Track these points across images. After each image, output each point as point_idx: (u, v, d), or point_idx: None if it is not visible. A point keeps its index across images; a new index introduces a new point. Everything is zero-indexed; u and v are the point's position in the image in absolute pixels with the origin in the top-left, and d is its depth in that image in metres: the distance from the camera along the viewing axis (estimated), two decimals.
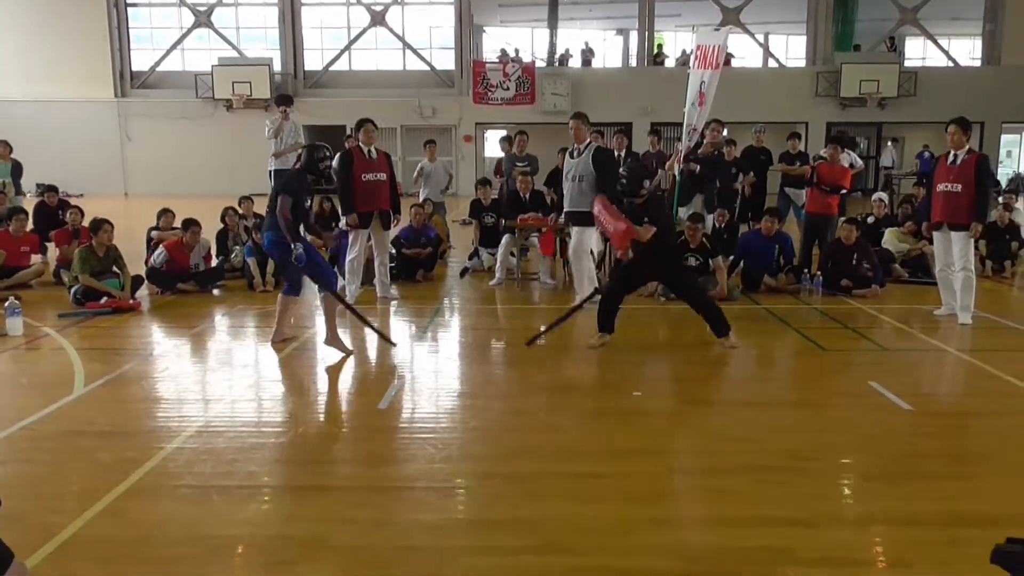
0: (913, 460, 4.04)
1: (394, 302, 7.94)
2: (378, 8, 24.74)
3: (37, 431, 4.41)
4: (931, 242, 7.54)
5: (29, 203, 10.99)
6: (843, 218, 8.73)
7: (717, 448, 4.20)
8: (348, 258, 7.76)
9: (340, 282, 7.58)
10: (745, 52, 28.58)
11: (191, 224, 8.54)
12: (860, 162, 11.80)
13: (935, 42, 25.43)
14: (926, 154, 22.55)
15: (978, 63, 25.22)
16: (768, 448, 4.20)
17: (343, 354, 5.92)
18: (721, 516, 3.44)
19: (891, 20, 24.89)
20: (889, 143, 26.06)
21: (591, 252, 7.77)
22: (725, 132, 9.66)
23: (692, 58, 8.64)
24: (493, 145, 23.36)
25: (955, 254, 6.97)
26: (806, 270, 8.55)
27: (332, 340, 5.97)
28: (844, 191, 8.94)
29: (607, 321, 6.26)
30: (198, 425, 4.49)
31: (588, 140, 7.45)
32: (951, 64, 25.39)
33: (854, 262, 8.31)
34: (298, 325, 6.81)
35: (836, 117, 24.20)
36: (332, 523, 3.38)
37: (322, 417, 4.94)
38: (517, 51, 25.48)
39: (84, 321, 7.20)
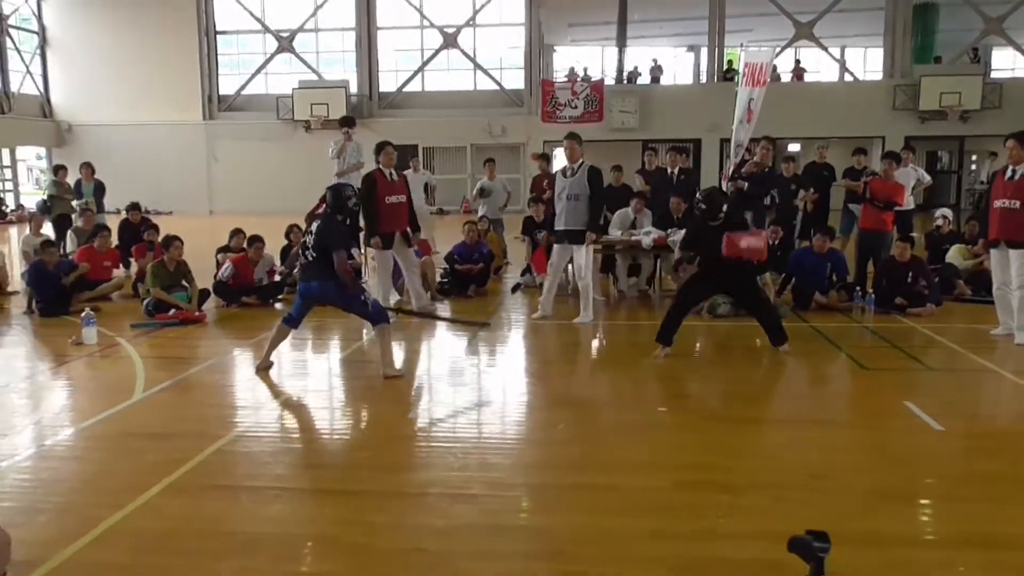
0: (933, 481, 3.98)
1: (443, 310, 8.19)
2: (450, 30, 25.37)
3: (94, 431, 4.79)
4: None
5: (114, 220, 11.75)
6: (897, 235, 8.52)
7: (735, 465, 4.23)
8: (376, 281, 8.03)
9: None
10: (820, 66, 28.03)
11: (255, 240, 9.02)
12: (928, 177, 11.42)
13: (1022, 52, 24.32)
14: None
15: None
16: (787, 466, 4.20)
17: (392, 378, 5.84)
18: (724, 530, 3.49)
19: (975, 31, 23.97)
20: (987, 157, 24.86)
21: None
22: (795, 148, 9.58)
23: (740, 76, 8.63)
24: (561, 162, 23.61)
25: (1013, 272, 6.75)
26: (858, 288, 8.36)
27: (388, 366, 5.87)
28: (898, 207, 8.71)
29: (669, 334, 6.39)
30: (240, 430, 4.79)
31: (581, 160, 7.60)
32: None
33: (909, 280, 8.10)
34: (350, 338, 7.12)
35: (915, 131, 23.36)
36: (346, 524, 3.58)
37: (352, 424, 5.18)
38: (585, 69, 25.69)
39: (153, 331, 7.71)
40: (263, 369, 6.05)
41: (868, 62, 28.96)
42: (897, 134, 22.73)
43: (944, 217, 10.21)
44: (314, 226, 5.88)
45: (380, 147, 7.93)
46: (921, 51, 24.88)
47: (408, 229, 7.99)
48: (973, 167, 25.85)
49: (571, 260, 8.05)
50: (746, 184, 8.24)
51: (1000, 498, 3.78)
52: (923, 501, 3.74)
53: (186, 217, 23.02)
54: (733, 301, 7.94)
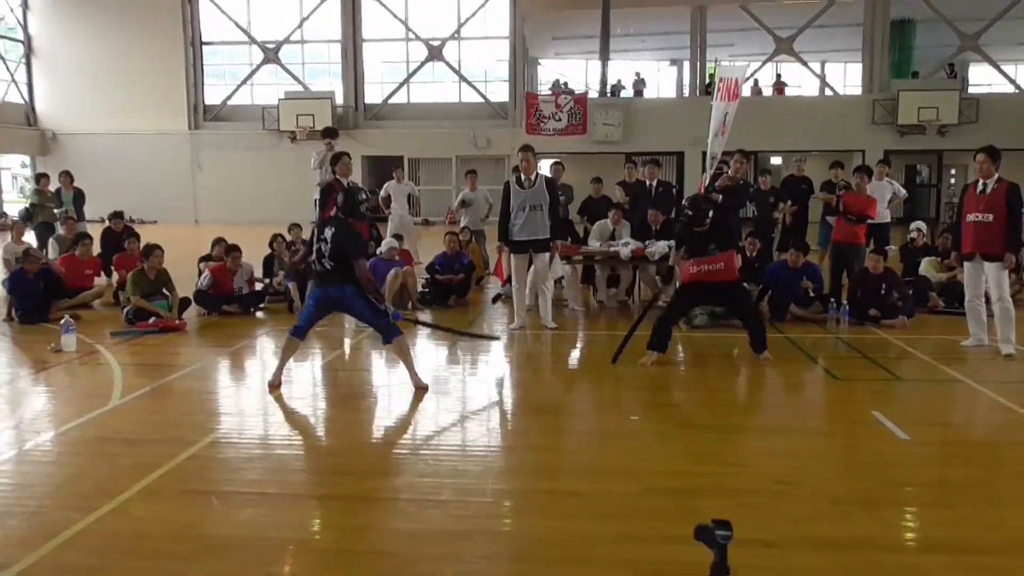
0: (894, 487, 4.06)
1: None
2: (436, 43, 25.54)
3: (70, 437, 4.82)
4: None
5: (96, 229, 11.74)
6: (870, 248, 8.67)
7: (702, 471, 4.31)
8: None
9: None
10: (802, 80, 28.41)
11: (233, 250, 9.03)
12: (903, 191, 11.63)
13: (997, 68, 24.78)
14: None
15: None
16: (753, 472, 4.29)
17: (422, 389, 5.75)
18: (686, 535, 3.54)
19: (951, 47, 24.40)
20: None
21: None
22: (776, 160, 9.76)
23: (716, 91, 8.78)
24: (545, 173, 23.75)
25: (990, 285, 6.88)
26: (832, 299, 8.49)
27: (415, 379, 5.79)
28: (871, 220, 8.87)
29: (662, 340, 6.54)
30: (215, 436, 4.82)
31: (536, 171, 7.83)
32: (1016, 90, 24.71)
33: (882, 292, 8.24)
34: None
35: (894, 145, 23.72)
36: (315, 529, 3.64)
37: (328, 431, 5.21)
38: (566, 84, 25.91)
39: (133, 339, 7.72)
40: (275, 387, 5.78)
41: (848, 76, 29.37)
42: (876, 148, 23.06)
43: (918, 230, 10.38)
44: (327, 232, 5.65)
45: (336, 158, 8.04)
46: (899, 66, 25.34)
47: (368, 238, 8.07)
48: (952, 180, 26.22)
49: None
50: (720, 197, 8.35)
51: (959, 503, 3.87)
52: (884, 507, 3.81)
53: (171, 226, 22.99)
54: (710, 312, 8.09)
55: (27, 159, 27.14)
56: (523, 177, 7.81)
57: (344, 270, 5.59)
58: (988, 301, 7.02)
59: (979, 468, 4.33)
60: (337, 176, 7.89)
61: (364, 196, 5.97)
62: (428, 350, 7.57)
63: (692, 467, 4.36)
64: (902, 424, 4.95)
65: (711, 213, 6.63)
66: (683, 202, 7.05)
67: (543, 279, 8.06)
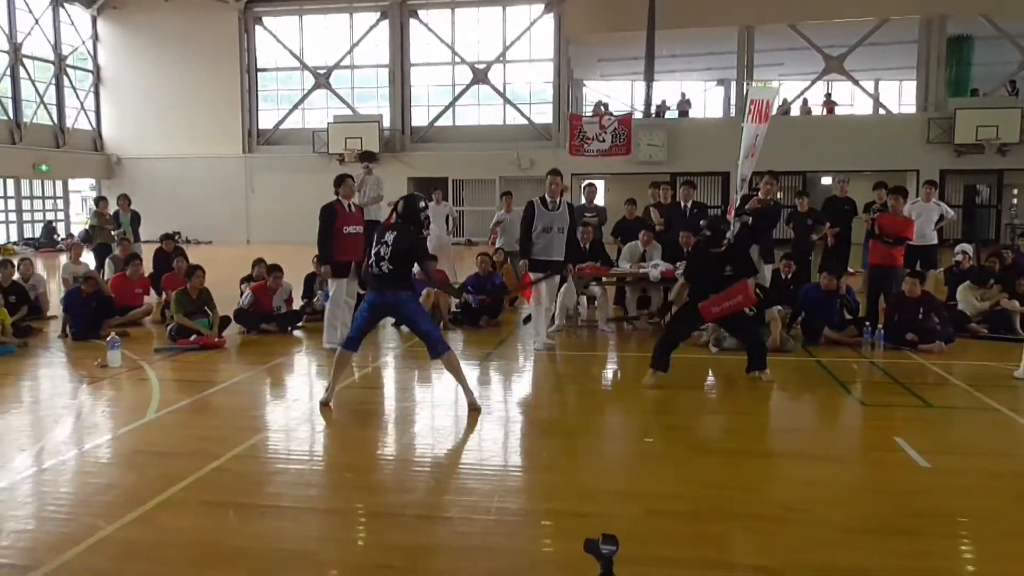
0: (908, 517, 3.99)
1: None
2: (481, 66, 25.92)
3: (105, 448, 5.08)
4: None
5: (151, 249, 12.21)
6: (907, 270, 8.49)
7: (709, 494, 4.30)
8: (329, 307, 8.17)
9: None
10: (855, 99, 27.95)
11: (274, 270, 9.31)
12: (951, 212, 11.36)
13: None
14: None
15: None
16: (762, 497, 4.27)
17: (475, 411, 5.78)
18: (684, 557, 3.58)
19: (1012, 63, 23.71)
20: None
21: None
22: (827, 181, 9.66)
23: (746, 112, 8.76)
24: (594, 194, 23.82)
25: None
26: (867, 323, 8.34)
27: (469, 397, 5.83)
28: (909, 241, 8.68)
29: (663, 360, 6.58)
30: (238, 450, 4.99)
31: (561, 195, 8.00)
32: None
33: (920, 316, 8.06)
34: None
35: (950, 164, 23.13)
36: (322, 541, 3.76)
37: (345, 447, 5.33)
38: (606, 106, 26.05)
39: (176, 356, 8.03)
40: (325, 404, 5.84)
41: (903, 95, 28.79)
42: (932, 167, 22.53)
43: (964, 252, 10.11)
44: (388, 237, 5.67)
45: (340, 179, 8.16)
46: (956, 84, 24.66)
47: (362, 260, 8.18)
48: (1014, 201, 25.39)
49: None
50: (750, 219, 8.32)
51: (971, 535, 3.79)
52: (893, 536, 3.75)
53: (224, 246, 23.77)
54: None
55: (94, 182, 28.36)
56: (549, 199, 7.93)
57: (402, 275, 5.64)
58: None
59: (998, 500, 4.22)
60: (340, 198, 8.05)
61: (423, 204, 5.94)
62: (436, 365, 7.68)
63: (700, 490, 4.35)
64: (925, 452, 4.86)
65: (729, 236, 6.75)
66: (702, 222, 7.14)
67: (549, 297, 8.28)
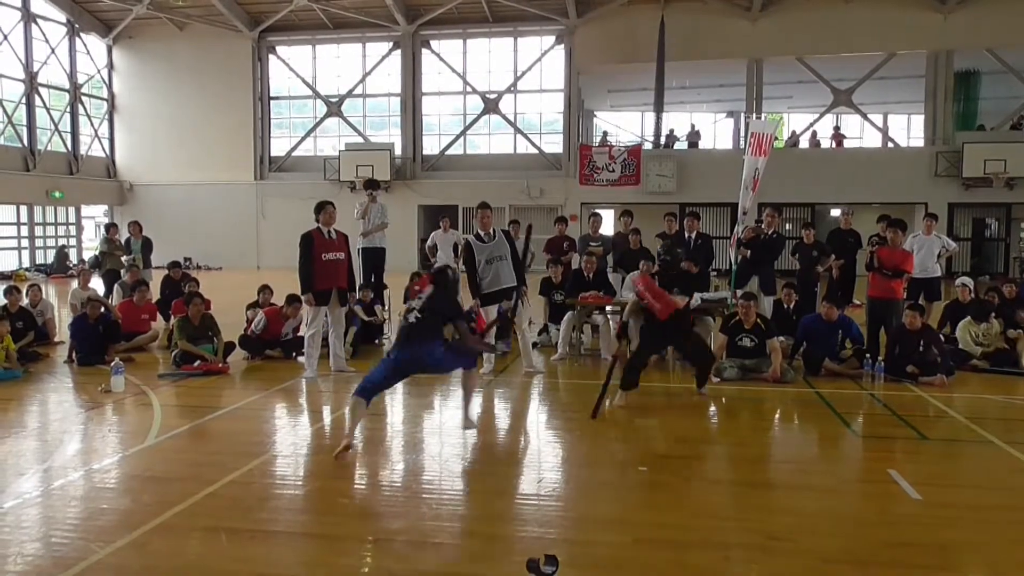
0: (893, 548, 3.99)
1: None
2: (492, 96, 26.25)
3: (102, 473, 5.14)
4: None
5: (162, 275, 12.37)
6: (907, 302, 8.50)
7: (697, 524, 4.32)
8: (307, 334, 8.24)
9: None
10: (864, 132, 28.07)
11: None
12: (953, 244, 11.35)
13: None
14: None
15: None
16: (749, 527, 4.28)
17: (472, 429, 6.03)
18: None
19: (1019, 98, 23.79)
20: None
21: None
22: (836, 212, 9.71)
23: (747, 145, 8.85)
24: (607, 224, 23.95)
25: None
26: (868, 355, 8.34)
27: (466, 417, 6.06)
28: (908, 274, 8.70)
29: (633, 380, 7.07)
30: (233, 476, 5.05)
31: (492, 226, 8.39)
32: None
33: (920, 348, 8.05)
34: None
35: (958, 198, 23.16)
36: (310, 566, 3.80)
37: (339, 473, 5.33)
38: (609, 135, 26.31)
39: (179, 381, 8.12)
40: (346, 448, 5.44)
41: (912, 128, 28.89)
42: (940, 200, 22.56)
43: (964, 286, 10.08)
44: (425, 293, 5.90)
45: (320, 206, 8.24)
46: (964, 118, 24.79)
47: (345, 287, 8.30)
48: (1022, 234, 25.31)
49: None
50: (749, 252, 8.37)
51: (954, 567, 3.81)
52: (875, 567, 3.76)
53: (234, 272, 23.99)
54: (740, 365, 8.07)
55: (107, 208, 28.76)
56: (482, 233, 8.17)
57: (433, 327, 5.66)
58: None
59: (985, 532, 4.21)
60: (320, 225, 8.14)
61: (455, 274, 6.26)
62: (447, 394, 7.73)
63: (688, 520, 4.37)
64: (917, 484, 4.86)
65: (683, 264, 7.59)
66: (659, 248, 7.93)
67: (519, 323, 8.48)
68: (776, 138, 26.46)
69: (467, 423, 6.05)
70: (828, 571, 3.74)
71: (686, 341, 7.45)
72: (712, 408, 7.18)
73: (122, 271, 12.68)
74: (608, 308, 9.66)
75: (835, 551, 3.96)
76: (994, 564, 3.80)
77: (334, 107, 27.22)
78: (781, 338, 8.66)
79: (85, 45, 27.32)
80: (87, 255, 26.85)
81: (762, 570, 3.74)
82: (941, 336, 9.18)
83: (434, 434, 6.39)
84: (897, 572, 3.72)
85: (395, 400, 7.44)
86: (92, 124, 27.76)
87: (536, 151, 26.16)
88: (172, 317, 10.77)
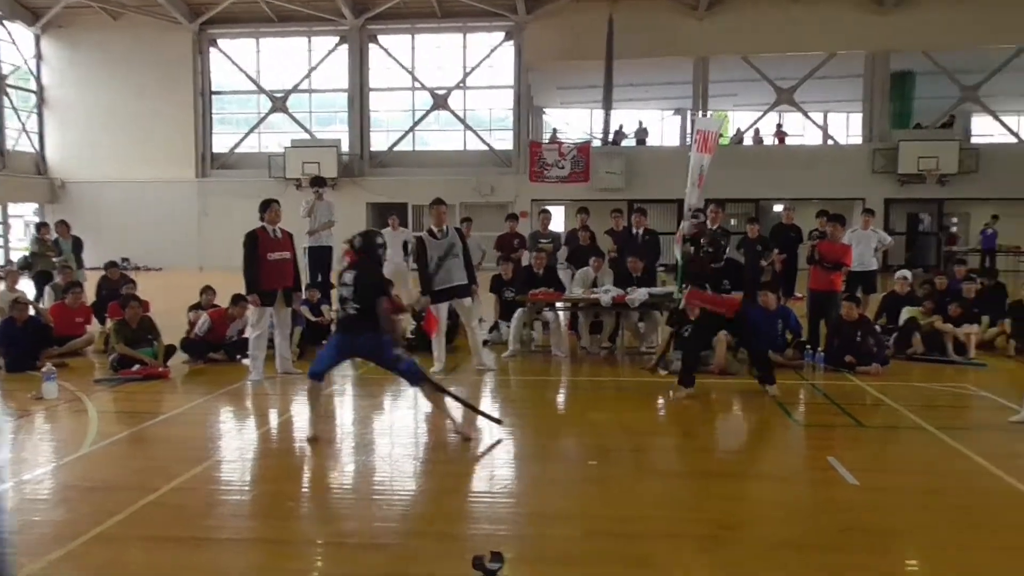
0: (833, 533, 4.11)
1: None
2: (441, 92, 26.10)
3: (35, 484, 4.94)
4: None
5: (97, 276, 11.97)
6: (845, 294, 8.76)
7: (648, 515, 4.37)
8: (252, 336, 8.10)
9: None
10: (806, 129, 28.75)
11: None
12: (888, 239, 11.72)
13: (997, 118, 25.03)
14: (988, 231, 21.96)
15: None
16: (698, 517, 4.35)
17: (467, 439, 5.81)
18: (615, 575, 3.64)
19: (952, 98, 24.67)
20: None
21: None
22: (779, 208, 9.88)
23: (693, 142, 8.98)
24: (557, 221, 24.00)
25: None
26: (808, 346, 8.56)
27: (453, 423, 5.92)
28: (846, 267, 8.97)
29: (689, 376, 7.08)
30: (177, 483, 4.91)
31: (446, 223, 8.25)
32: (1017, 140, 24.90)
33: (858, 338, 8.30)
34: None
35: (895, 194, 23.93)
36: (258, 571, 3.74)
37: (287, 477, 5.26)
38: (557, 132, 26.46)
39: (117, 386, 7.86)
40: (313, 439, 5.73)
41: (851, 127, 29.67)
42: (877, 196, 23.30)
43: (904, 278, 10.42)
44: (347, 277, 5.70)
45: (266, 204, 8.07)
46: (900, 117, 25.60)
47: (291, 286, 8.18)
48: (953, 229, 26.30)
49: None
50: (692, 248, 8.47)
51: (890, 549, 3.92)
52: (815, 552, 3.86)
53: (175, 273, 23.38)
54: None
55: (37, 207, 27.69)
56: (436, 229, 8.12)
57: (371, 314, 5.57)
58: None
59: (920, 514, 4.36)
60: (265, 224, 7.99)
61: (381, 240, 5.98)
62: (397, 395, 7.67)
63: (639, 511, 4.42)
64: (854, 470, 5.01)
65: (727, 252, 7.28)
66: (702, 240, 7.68)
67: (469, 321, 8.45)
68: (721, 135, 27.10)
69: (455, 424, 5.88)
70: (774, 557, 3.82)
71: (741, 333, 7.51)
72: (660, 400, 7.27)
73: (54, 272, 12.22)
74: (559, 304, 9.72)
75: (779, 537, 4.06)
76: (930, 545, 3.93)
77: (279, 102, 26.73)
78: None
79: (10, 34, 26.08)
80: (15, 256, 25.86)
81: (711, 559, 3.80)
82: (878, 327, 9.51)
83: (384, 435, 6.33)
84: (838, 556, 3.83)
85: (349, 402, 7.37)
86: (19, 117, 26.61)
87: (486, 148, 26.12)
88: (108, 320, 10.48)
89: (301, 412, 6.63)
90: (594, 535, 4.08)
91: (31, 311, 9.37)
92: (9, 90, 26.27)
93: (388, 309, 5.62)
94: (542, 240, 10.95)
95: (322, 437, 5.82)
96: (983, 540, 4.02)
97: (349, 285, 5.66)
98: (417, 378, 5.80)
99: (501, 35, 25.65)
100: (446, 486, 4.95)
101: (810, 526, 4.20)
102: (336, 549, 4.01)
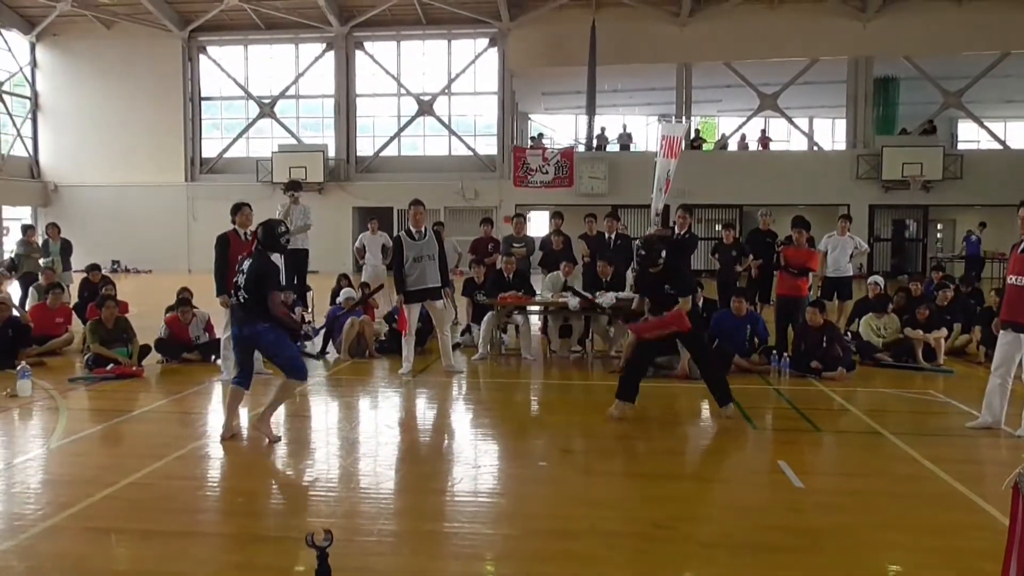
0: (769, 532, 4.21)
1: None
2: (426, 98, 26.24)
3: None
4: None
5: (79, 277, 12.06)
6: (810, 300, 8.88)
7: (586, 514, 4.45)
8: (224, 337, 8.11)
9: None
10: (791, 135, 28.95)
11: (182, 304, 9.22)
12: (864, 245, 11.85)
13: (981, 124, 25.25)
14: (972, 237, 22.09)
15: None
16: (635, 516, 4.46)
17: (269, 440, 5.79)
18: (549, 573, 3.74)
19: (935, 104, 24.89)
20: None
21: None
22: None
23: (659, 147, 9.12)
24: (533, 225, 24.13)
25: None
26: (775, 351, 8.67)
27: (262, 422, 5.83)
28: (812, 272, 9.09)
29: (630, 390, 6.57)
30: (133, 478, 5.00)
31: (424, 225, 8.40)
32: (1000, 146, 25.14)
33: (824, 344, 8.41)
34: None
35: (878, 199, 24.12)
36: (200, 563, 3.83)
37: (240, 473, 5.36)
38: (541, 136, 26.61)
39: (91, 385, 7.96)
40: (225, 439, 5.82)
41: (836, 132, 29.91)
42: (861, 202, 23.50)
43: (875, 284, 10.54)
44: (245, 264, 5.72)
45: (237, 208, 8.09)
46: (884, 123, 25.80)
47: None
48: (939, 235, 26.49)
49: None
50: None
51: (819, 550, 3.99)
52: (747, 552, 3.95)
53: (164, 275, 23.43)
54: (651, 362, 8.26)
55: (31, 210, 27.77)
56: (414, 230, 8.24)
57: (257, 305, 5.57)
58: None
59: (855, 516, 4.45)
60: (236, 227, 8.08)
61: (284, 228, 5.96)
62: (358, 393, 7.78)
63: (578, 510, 4.52)
64: (802, 473, 5.12)
65: (663, 254, 6.62)
66: (636, 242, 7.25)
67: (441, 324, 8.56)
68: (704, 140, 27.31)
69: (265, 428, 5.78)
70: (705, 555, 3.93)
71: (696, 342, 6.81)
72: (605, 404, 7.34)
73: (39, 273, 12.29)
74: (529, 308, 9.83)
75: (713, 536, 4.17)
76: (857, 546, 4.02)
77: (267, 108, 26.86)
78: None
79: (6, 41, 26.37)
80: (5, 257, 25.91)
81: (644, 556, 3.91)
82: (848, 333, 9.64)
83: (336, 433, 6.42)
84: (767, 555, 3.93)
85: (302, 401, 7.45)
86: (14, 123, 26.79)
87: (470, 153, 26.27)
88: (88, 320, 10.55)
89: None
90: (533, 534, 4.18)
91: (13, 312, 9.48)
92: (5, 96, 26.48)
93: (277, 305, 5.60)
94: (515, 244, 11.05)
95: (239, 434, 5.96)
96: (912, 541, 4.10)
97: (244, 274, 5.68)
98: (296, 373, 5.76)
99: (485, 41, 25.84)
100: (395, 484, 5.06)
101: (745, 526, 4.29)
102: (278, 544, 4.08)
